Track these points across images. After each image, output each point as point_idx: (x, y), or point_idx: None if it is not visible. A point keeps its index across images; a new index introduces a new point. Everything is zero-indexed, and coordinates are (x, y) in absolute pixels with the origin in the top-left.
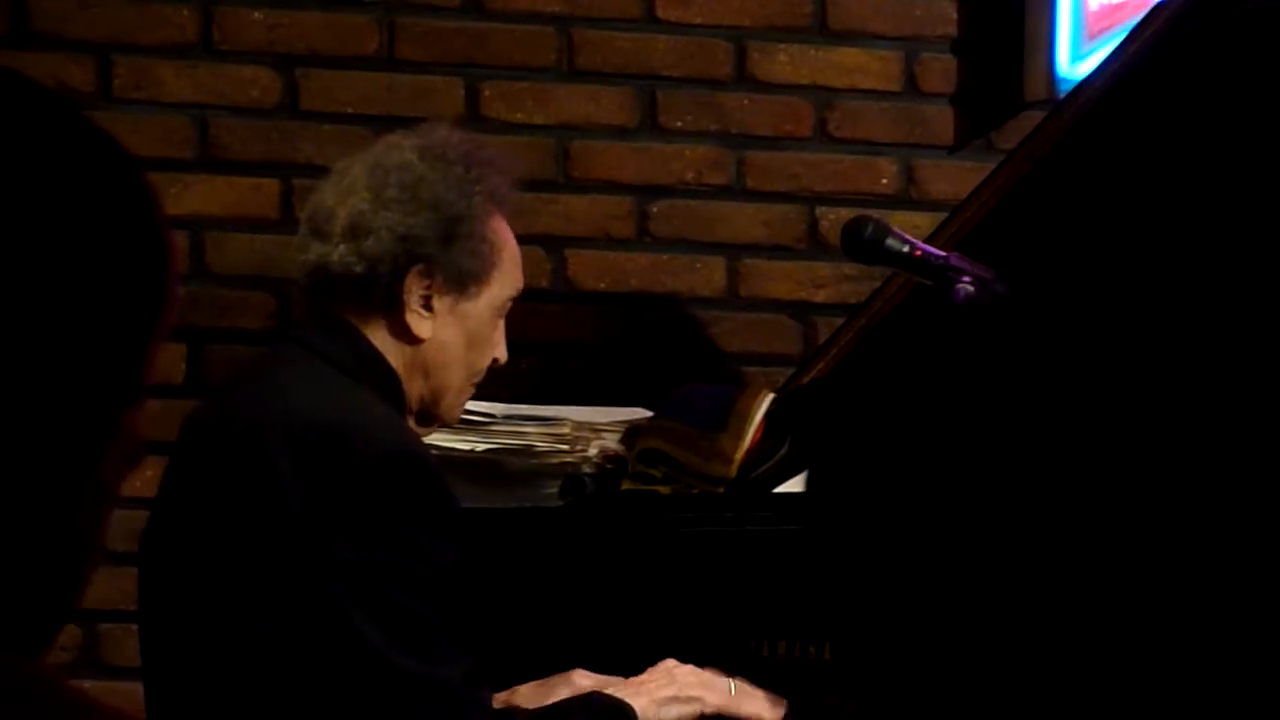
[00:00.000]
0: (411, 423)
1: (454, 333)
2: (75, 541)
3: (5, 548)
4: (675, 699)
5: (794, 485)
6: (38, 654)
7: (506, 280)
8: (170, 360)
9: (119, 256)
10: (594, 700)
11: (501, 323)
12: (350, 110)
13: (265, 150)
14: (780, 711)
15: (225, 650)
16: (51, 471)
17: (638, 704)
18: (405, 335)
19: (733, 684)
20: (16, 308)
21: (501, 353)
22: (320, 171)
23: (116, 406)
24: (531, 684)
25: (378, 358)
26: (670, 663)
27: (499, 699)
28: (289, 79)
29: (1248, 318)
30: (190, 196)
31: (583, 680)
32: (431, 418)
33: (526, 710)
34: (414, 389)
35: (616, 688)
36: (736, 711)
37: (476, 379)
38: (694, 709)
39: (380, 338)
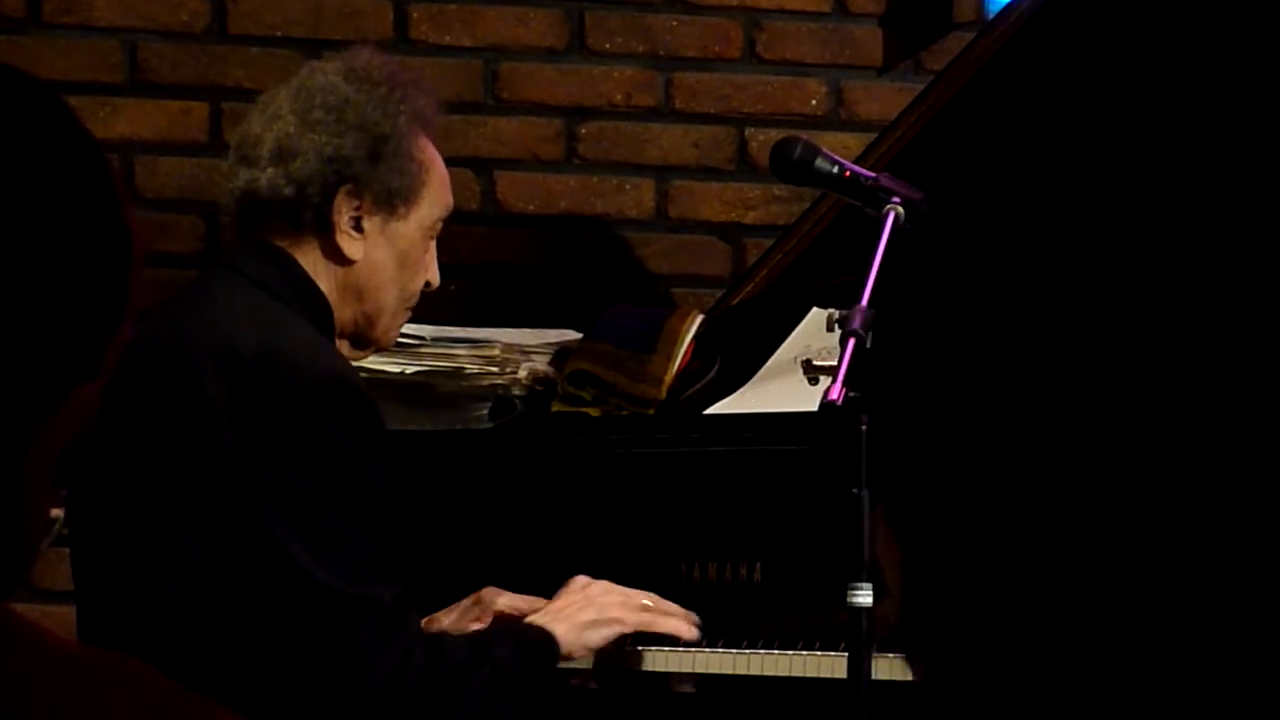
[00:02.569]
0: (346, 347)
1: (385, 253)
2: (16, 505)
3: None
4: (596, 622)
5: (723, 406)
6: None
7: (435, 200)
8: None
9: (78, 238)
10: (519, 629)
11: (433, 245)
12: (279, 33)
13: (195, 74)
14: (695, 629)
15: (157, 574)
16: None
17: (559, 630)
18: (337, 257)
19: (646, 599)
20: None
21: (434, 275)
22: (250, 95)
23: (67, 379)
24: (447, 610)
25: (309, 283)
26: (581, 580)
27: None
28: (218, 2)
29: (1182, 236)
30: (120, 120)
31: (495, 597)
32: (367, 341)
33: (454, 636)
34: (347, 313)
35: (535, 615)
36: (654, 628)
37: (410, 302)
38: (615, 630)
39: (312, 262)
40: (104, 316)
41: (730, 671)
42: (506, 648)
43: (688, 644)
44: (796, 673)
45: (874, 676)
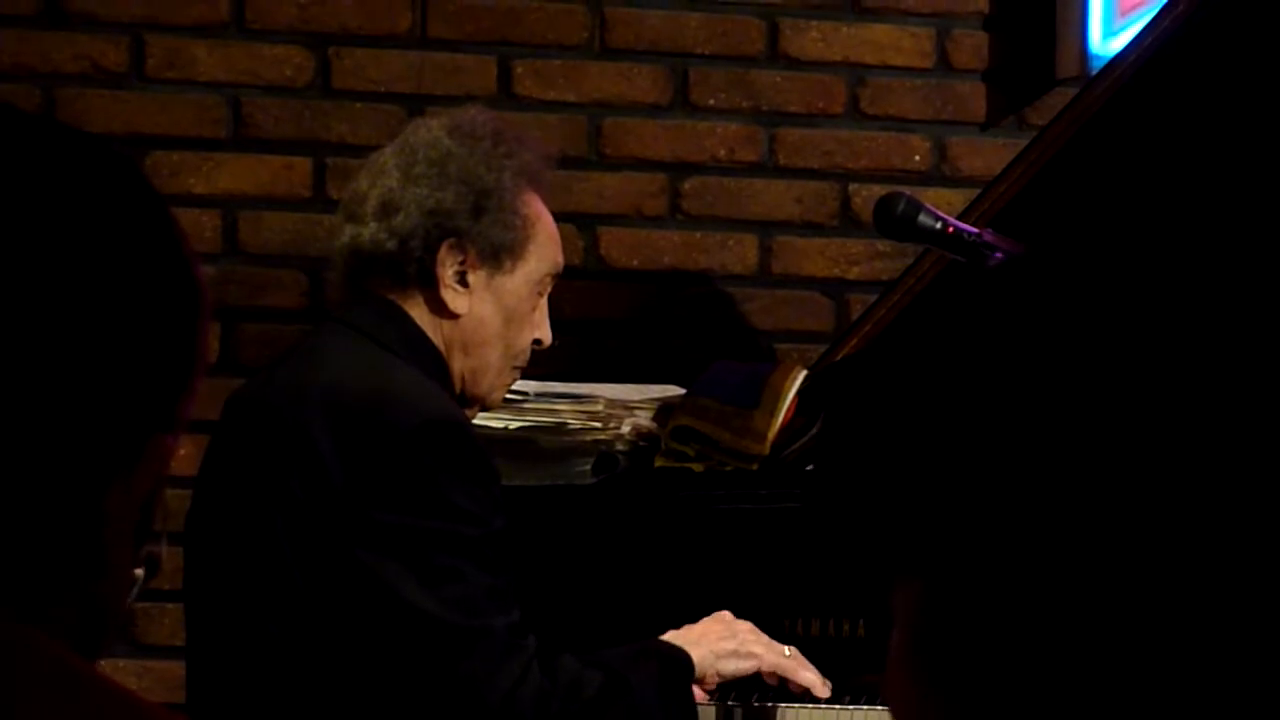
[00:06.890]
0: None
1: (491, 308)
2: (101, 558)
3: (35, 565)
4: (735, 653)
5: None
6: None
7: (543, 256)
8: None
9: (148, 293)
10: (652, 645)
11: (543, 303)
12: (383, 89)
13: (298, 129)
14: (828, 689)
15: (266, 621)
16: (71, 487)
17: (696, 654)
18: (442, 311)
19: (787, 649)
20: (50, 336)
21: (544, 333)
22: (353, 150)
23: (142, 432)
24: None
25: (420, 334)
26: (727, 615)
27: None
28: (321, 58)
29: None
30: (223, 175)
31: None
32: (472, 399)
33: (575, 656)
34: (454, 368)
35: (674, 635)
36: (791, 675)
37: (517, 361)
38: (751, 665)
39: (419, 315)
40: (176, 369)
41: None
42: (646, 668)
43: (791, 698)
44: None
45: None
